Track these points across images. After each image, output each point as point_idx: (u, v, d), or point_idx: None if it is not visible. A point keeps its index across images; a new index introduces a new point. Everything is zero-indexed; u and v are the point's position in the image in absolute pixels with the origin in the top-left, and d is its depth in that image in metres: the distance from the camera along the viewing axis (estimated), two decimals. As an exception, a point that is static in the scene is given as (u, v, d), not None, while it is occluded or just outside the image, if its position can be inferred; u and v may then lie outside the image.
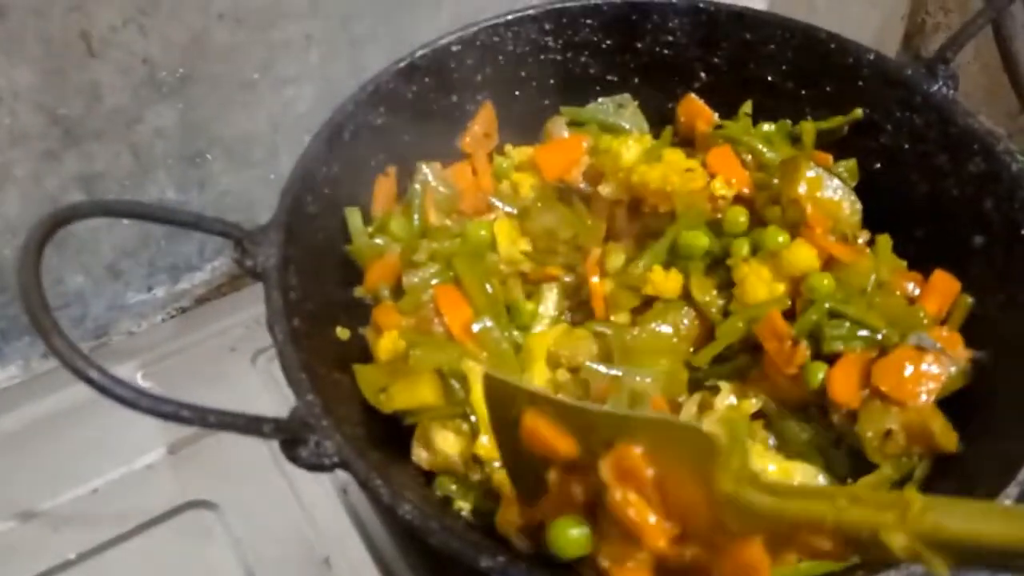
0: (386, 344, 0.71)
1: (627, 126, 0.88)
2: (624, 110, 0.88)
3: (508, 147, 0.89)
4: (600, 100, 0.89)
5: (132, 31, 0.86)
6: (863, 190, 0.78)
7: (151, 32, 0.87)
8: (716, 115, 0.87)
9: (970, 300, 0.74)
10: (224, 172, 1.02)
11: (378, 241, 0.79)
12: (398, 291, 0.76)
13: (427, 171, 0.82)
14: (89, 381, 0.51)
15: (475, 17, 0.85)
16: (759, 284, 0.72)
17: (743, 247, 0.75)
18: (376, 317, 0.75)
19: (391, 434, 0.71)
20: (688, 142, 0.88)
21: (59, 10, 0.81)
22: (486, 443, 0.67)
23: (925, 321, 0.73)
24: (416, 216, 0.81)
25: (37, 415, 0.92)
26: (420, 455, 0.70)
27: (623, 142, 0.80)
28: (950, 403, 0.70)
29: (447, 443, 0.68)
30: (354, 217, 0.79)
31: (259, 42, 0.95)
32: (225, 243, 1.04)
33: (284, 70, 0.98)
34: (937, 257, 0.73)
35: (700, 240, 0.74)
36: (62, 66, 0.85)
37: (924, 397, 0.69)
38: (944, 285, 0.75)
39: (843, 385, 0.71)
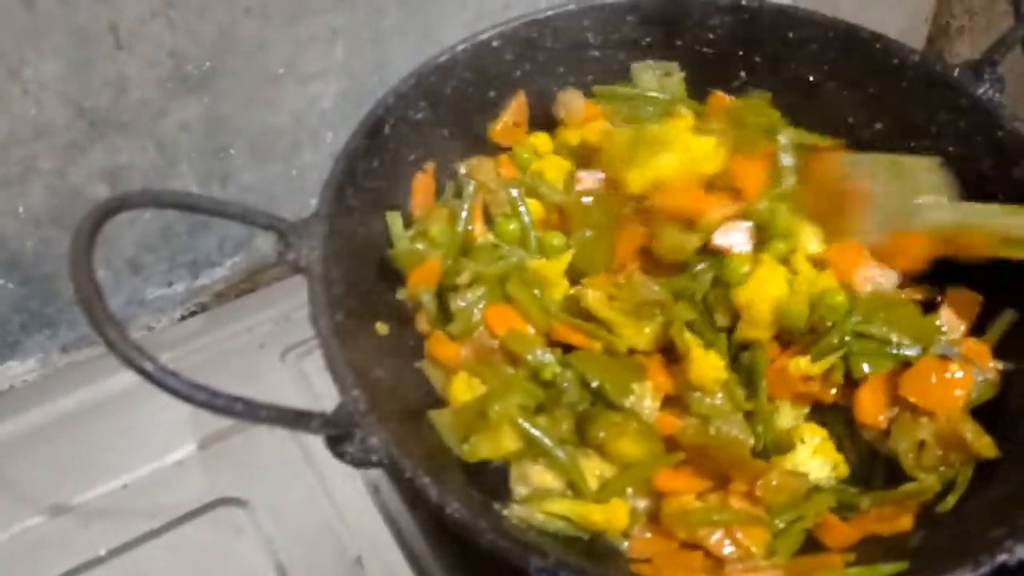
0: (459, 389, 0.71)
1: (662, 96, 0.87)
2: (670, 79, 0.87)
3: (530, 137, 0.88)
4: (648, 62, 0.88)
5: (160, 24, 0.86)
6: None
7: (179, 25, 0.87)
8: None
9: (1013, 315, 0.74)
10: (247, 166, 1.02)
11: (419, 246, 0.78)
12: (440, 296, 0.76)
13: (470, 183, 0.81)
14: (144, 373, 0.50)
15: (500, 14, 0.86)
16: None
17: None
18: (431, 350, 0.75)
19: (432, 431, 0.70)
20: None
21: (87, 1, 0.81)
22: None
23: (945, 330, 0.74)
24: (460, 228, 0.79)
25: (66, 409, 0.91)
26: (519, 492, 0.69)
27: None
28: (992, 412, 0.70)
29: (545, 479, 0.68)
30: (395, 222, 0.78)
31: (285, 36, 0.94)
32: (245, 239, 1.07)
33: (309, 65, 0.98)
34: (980, 265, 0.73)
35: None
36: (89, 58, 0.84)
37: (953, 404, 0.69)
38: (961, 300, 0.76)
39: (870, 406, 0.72)
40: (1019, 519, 0.56)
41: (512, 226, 0.79)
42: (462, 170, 0.82)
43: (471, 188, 0.80)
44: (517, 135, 0.86)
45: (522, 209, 0.80)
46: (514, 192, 0.80)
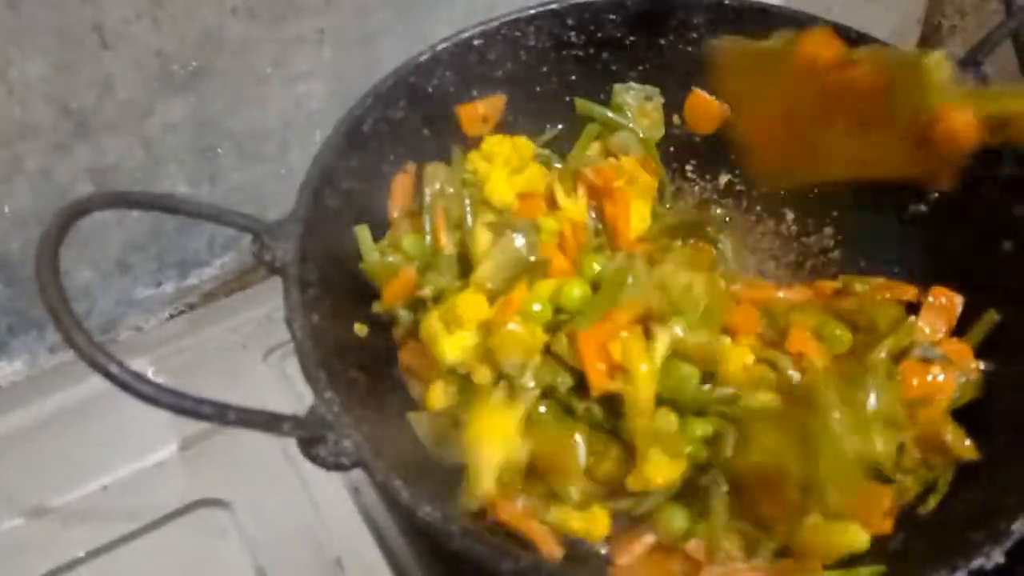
0: (435, 398, 0.71)
1: (632, 126, 0.86)
2: (648, 103, 0.87)
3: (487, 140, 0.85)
4: (631, 84, 0.88)
5: (146, 24, 0.86)
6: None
7: (165, 25, 0.87)
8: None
9: (996, 316, 0.73)
10: (235, 167, 1.01)
11: (391, 259, 0.77)
12: (415, 307, 0.76)
13: (436, 184, 0.79)
14: (109, 376, 0.50)
15: (489, 14, 0.84)
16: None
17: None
18: (403, 360, 0.75)
19: (407, 433, 0.70)
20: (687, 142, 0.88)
21: (73, 2, 0.81)
22: None
23: (927, 332, 0.73)
24: (428, 237, 0.78)
25: (46, 411, 0.91)
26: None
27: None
28: (974, 414, 0.69)
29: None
30: (364, 235, 0.77)
31: (272, 37, 0.94)
32: (234, 238, 1.07)
33: (297, 65, 0.98)
34: (967, 264, 0.72)
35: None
36: (74, 58, 0.84)
37: (934, 406, 0.69)
38: (943, 300, 0.75)
39: None
40: (999, 523, 0.56)
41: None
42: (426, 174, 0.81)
43: (428, 197, 0.79)
44: (481, 128, 0.85)
45: (468, 221, 0.77)
46: (465, 203, 0.78)
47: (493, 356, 0.68)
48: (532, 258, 0.72)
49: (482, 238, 0.72)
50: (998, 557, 0.55)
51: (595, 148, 0.87)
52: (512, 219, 0.75)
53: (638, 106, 0.87)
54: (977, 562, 0.55)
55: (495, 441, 0.65)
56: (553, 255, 0.74)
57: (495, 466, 0.65)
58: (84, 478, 0.85)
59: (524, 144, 0.82)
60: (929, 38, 1.44)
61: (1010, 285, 0.72)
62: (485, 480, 0.65)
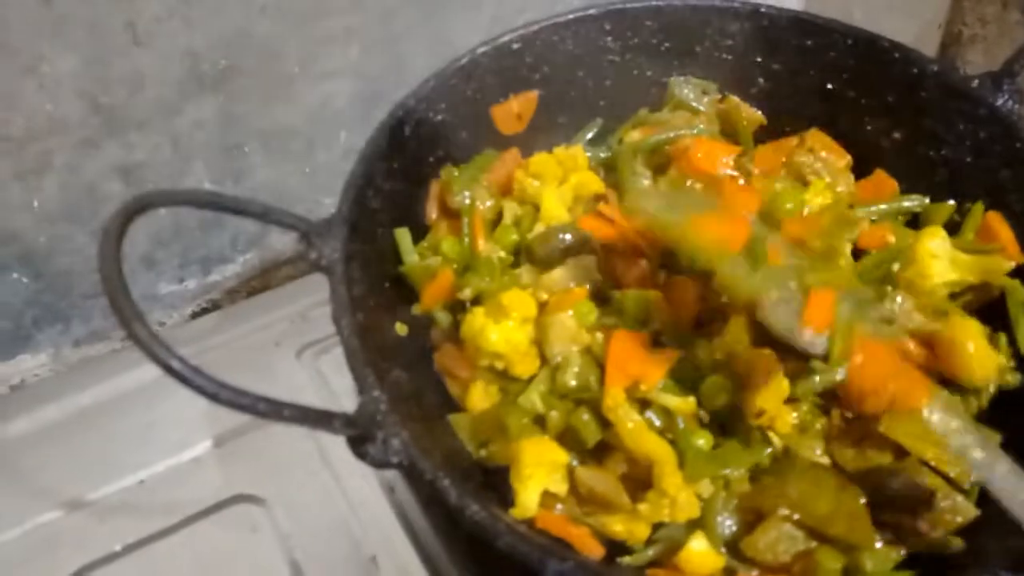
0: (476, 398, 0.71)
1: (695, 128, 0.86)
2: (705, 98, 0.87)
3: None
4: (689, 77, 0.88)
5: (177, 22, 0.86)
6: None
7: (195, 24, 0.87)
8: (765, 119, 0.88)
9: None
10: (260, 165, 1.02)
11: (430, 262, 0.77)
12: (454, 308, 0.76)
13: (467, 192, 0.80)
14: (170, 370, 0.50)
15: (515, 18, 0.86)
16: None
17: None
18: (439, 362, 0.75)
19: (449, 433, 0.71)
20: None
21: (105, -1, 0.81)
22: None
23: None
24: (466, 240, 0.79)
25: (81, 405, 0.91)
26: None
27: None
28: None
29: (563, 488, 0.67)
30: (404, 238, 0.77)
31: (300, 36, 0.95)
32: (258, 236, 1.08)
33: (324, 65, 0.98)
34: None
35: None
36: (106, 55, 0.85)
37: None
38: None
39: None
40: None
41: (512, 235, 0.79)
42: (453, 176, 0.81)
43: (466, 200, 0.79)
44: (516, 126, 0.86)
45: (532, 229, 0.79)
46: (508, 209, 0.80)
47: (538, 346, 0.69)
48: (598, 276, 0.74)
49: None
50: None
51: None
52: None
53: (695, 97, 0.87)
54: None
55: (539, 476, 0.66)
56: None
57: (539, 494, 0.65)
58: (121, 472, 0.86)
59: (567, 156, 0.82)
60: (949, 46, 1.45)
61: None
62: (530, 508, 0.65)
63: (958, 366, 0.67)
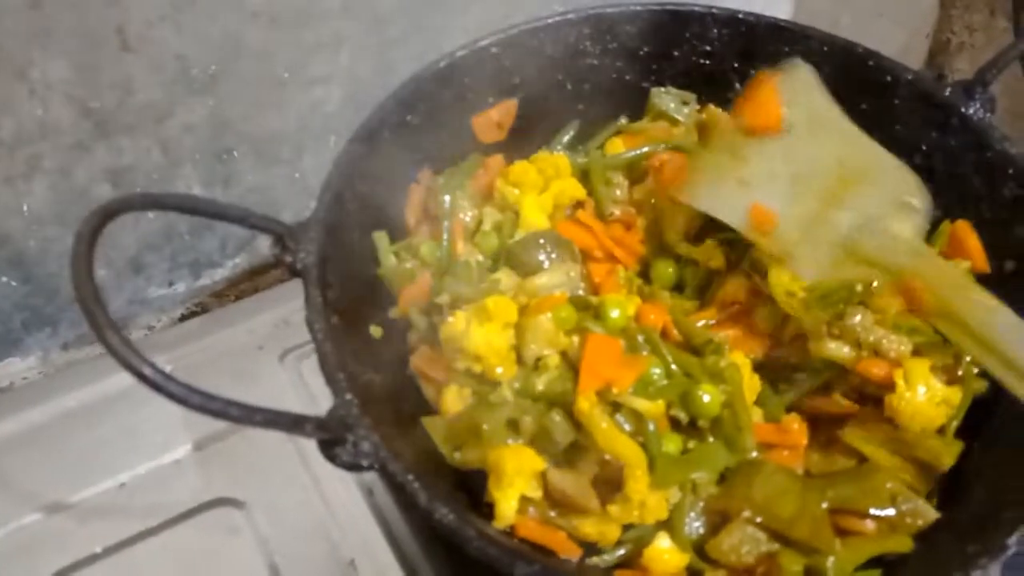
0: (450, 401, 0.72)
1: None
2: (685, 109, 0.88)
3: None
4: (669, 88, 0.89)
5: (167, 27, 0.87)
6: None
7: (185, 29, 0.88)
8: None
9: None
10: (250, 169, 1.03)
11: (408, 265, 0.78)
12: (430, 312, 0.76)
13: (448, 198, 0.81)
14: (141, 377, 0.51)
15: (503, 23, 0.86)
16: None
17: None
18: (415, 364, 0.76)
19: (422, 436, 0.71)
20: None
21: (96, 4, 0.82)
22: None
23: None
24: (445, 244, 0.80)
25: (65, 408, 0.92)
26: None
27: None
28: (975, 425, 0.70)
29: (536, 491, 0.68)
30: (382, 240, 0.78)
31: (291, 42, 0.96)
32: (246, 240, 1.08)
33: (314, 70, 0.99)
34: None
35: None
36: (96, 60, 0.85)
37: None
38: None
39: None
40: (996, 537, 0.56)
41: (493, 241, 0.80)
42: (440, 182, 0.82)
43: (447, 205, 0.80)
44: (497, 135, 0.87)
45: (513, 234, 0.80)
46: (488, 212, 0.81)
47: (516, 349, 0.70)
48: (580, 291, 0.75)
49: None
50: (995, 573, 0.56)
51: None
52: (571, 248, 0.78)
53: (675, 108, 0.88)
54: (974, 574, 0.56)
55: (519, 484, 0.66)
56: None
57: (516, 502, 0.66)
58: (102, 475, 0.87)
59: (548, 164, 0.83)
60: (937, 54, 1.46)
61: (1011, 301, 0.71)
62: (510, 517, 0.66)
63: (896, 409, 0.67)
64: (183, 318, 1.09)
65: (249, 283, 1.11)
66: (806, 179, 0.72)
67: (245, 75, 0.95)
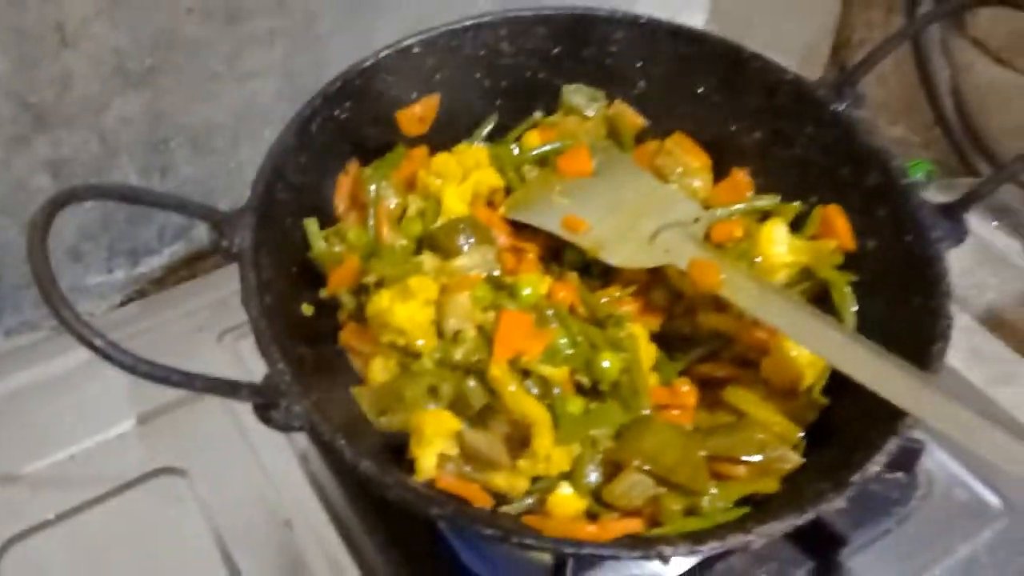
0: (376, 372, 0.77)
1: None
2: (595, 104, 0.94)
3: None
4: (580, 85, 0.95)
5: (104, 23, 0.89)
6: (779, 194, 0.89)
7: (122, 24, 0.91)
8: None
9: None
10: (186, 160, 1.05)
11: (337, 248, 0.82)
12: (358, 292, 0.81)
13: (374, 187, 0.86)
14: (94, 348, 0.56)
15: (435, 20, 0.89)
16: None
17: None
18: (344, 339, 0.80)
19: (352, 404, 0.77)
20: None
21: (34, 1, 0.84)
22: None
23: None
24: (371, 231, 0.85)
25: (16, 387, 0.96)
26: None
27: None
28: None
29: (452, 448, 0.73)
30: (312, 227, 0.82)
31: (226, 36, 0.98)
32: (184, 228, 1.11)
33: (249, 64, 1.02)
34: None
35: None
36: (35, 55, 0.87)
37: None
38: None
39: None
40: (844, 475, 0.64)
41: (416, 226, 0.85)
42: (367, 172, 0.87)
43: (374, 193, 0.85)
44: (420, 128, 0.91)
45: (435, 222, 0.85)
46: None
47: (437, 323, 0.76)
48: (496, 272, 0.82)
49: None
50: (840, 503, 0.63)
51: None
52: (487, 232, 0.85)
53: (586, 102, 0.94)
54: (823, 507, 0.63)
55: (437, 443, 0.72)
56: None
57: (434, 458, 0.72)
58: (53, 447, 0.90)
59: (468, 156, 0.89)
60: (840, 49, 1.54)
61: (872, 274, 0.80)
62: (429, 471, 0.72)
63: (784, 371, 0.76)
64: (123, 303, 1.11)
65: (187, 270, 1.14)
66: (616, 203, 0.86)
67: (181, 68, 0.97)
